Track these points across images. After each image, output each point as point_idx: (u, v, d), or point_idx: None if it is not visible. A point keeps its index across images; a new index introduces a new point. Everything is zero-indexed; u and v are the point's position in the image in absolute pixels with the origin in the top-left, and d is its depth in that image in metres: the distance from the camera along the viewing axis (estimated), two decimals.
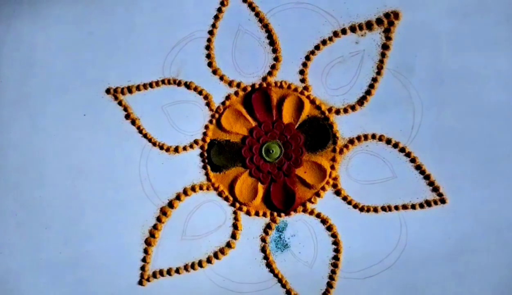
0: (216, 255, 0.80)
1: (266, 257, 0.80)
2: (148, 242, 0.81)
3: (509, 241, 0.76)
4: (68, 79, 0.84)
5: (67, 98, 0.84)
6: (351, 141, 0.80)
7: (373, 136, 0.79)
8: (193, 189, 0.81)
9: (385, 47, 0.80)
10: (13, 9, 0.86)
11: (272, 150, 0.80)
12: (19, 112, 0.85)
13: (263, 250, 0.80)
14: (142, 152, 0.82)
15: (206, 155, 0.82)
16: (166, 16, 0.84)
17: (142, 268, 0.81)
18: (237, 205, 0.81)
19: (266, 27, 0.82)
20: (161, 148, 0.82)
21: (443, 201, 0.77)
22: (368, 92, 0.80)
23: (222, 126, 0.82)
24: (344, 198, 0.79)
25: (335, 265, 0.79)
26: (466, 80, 0.78)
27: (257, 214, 0.81)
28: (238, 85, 0.82)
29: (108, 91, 0.84)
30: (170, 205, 0.81)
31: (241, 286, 0.80)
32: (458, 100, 0.78)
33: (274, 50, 0.82)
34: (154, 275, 0.81)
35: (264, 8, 0.82)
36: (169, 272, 0.81)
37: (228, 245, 0.81)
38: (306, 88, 0.81)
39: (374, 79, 0.80)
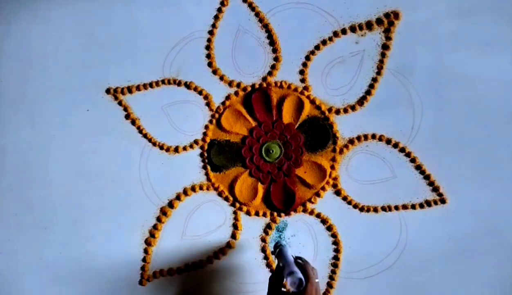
0: (216, 255, 0.80)
1: (266, 257, 0.80)
2: (148, 242, 0.81)
3: (509, 241, 0.76)
4: (68, 79, 0.84)
5: (67, 99, 0.84)
6: (351, 141, 0.80)
7: (373, 136, 0.79)
8: (193, 189, 0.81)
9: (385, 47, 0.80)
10: (13, 9, 0.86)
11: (272, 150, 0.80)
12: (19, 112, 0.85)
13: (263, 250, 0.80)
14: (142, 152, 0.82)
15: (206, 155, 0.82)
16: (166, 16, 0.84)
17: (142, 268, 0.81)
18: (237, 205, 0.81)
19: (266, 27, 0.82)
20: (161, 148, 0.82)
21: (443, 201, 0.77)
22: (368, 92, 0.80)
23: (222, 126, 0.82)
24: (344, 198, 0.79)
25: (335, 265, 0.79)
26: (466, 80, 0.78)
27: (257, 214, 0.81)
28: (238, 85, 0.82)
29: (108, 91, 0.84)
30: (170, 205, 0.81)
31: (241, 286, 0.80)
32: (458, 100, 0.78)
33: (274, 50, 0.82)
34: (154, 275, 0.81)
35: (264, 8, 0.82)
36: (169, 272, 0.81)
37: (228, 245, 0.81)
38: (306, 88, 0.81)
39: (374, 79, 0.80)
